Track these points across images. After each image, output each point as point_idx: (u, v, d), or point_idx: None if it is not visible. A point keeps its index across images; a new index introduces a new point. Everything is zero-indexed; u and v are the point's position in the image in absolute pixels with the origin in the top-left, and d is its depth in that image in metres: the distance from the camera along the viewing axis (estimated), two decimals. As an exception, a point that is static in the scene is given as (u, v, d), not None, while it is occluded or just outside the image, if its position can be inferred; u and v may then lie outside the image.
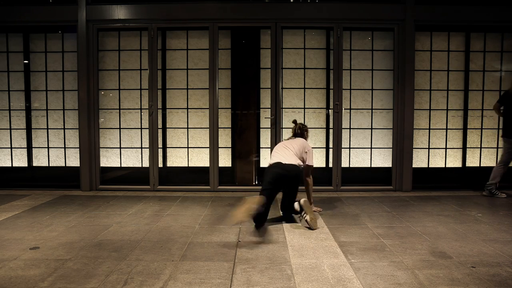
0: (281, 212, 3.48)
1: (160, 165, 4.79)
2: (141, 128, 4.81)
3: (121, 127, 4.82)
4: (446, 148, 4.82)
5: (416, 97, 4.72)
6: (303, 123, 3.78)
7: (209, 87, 4.67)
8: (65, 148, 4.87)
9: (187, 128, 4.81)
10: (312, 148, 4.76)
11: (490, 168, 4.77)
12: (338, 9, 4.56)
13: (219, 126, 4.73)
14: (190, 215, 3.55)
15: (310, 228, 3.07)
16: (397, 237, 2.86)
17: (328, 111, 4.74)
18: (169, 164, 4.85)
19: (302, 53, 4.73)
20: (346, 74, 4.70)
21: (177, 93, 4.79)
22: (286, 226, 3.17)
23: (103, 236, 2.90)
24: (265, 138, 4.75)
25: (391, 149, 4.73)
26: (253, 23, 4.66)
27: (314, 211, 3.55)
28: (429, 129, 4.80)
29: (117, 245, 2.70)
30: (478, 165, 4.84)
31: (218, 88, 4.69)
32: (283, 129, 4.73)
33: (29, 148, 4.89)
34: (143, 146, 4.81)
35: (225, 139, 4.79)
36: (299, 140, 3.57)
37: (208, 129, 4.74)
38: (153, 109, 4.69)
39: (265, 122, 4.72)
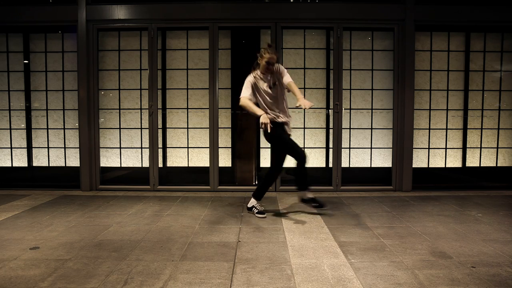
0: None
1: (160, 165, 4.79)
2: (141, 128, 4.81)
3: (121, 127, 4.82)
4: (446, 148, 4.82)
5: (416, 97, 4.72)
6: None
7: (209, 87, 4.67)
8: (65, 148, 4.87)
9: (187, 128, 4.81)
10: (312, 148, 4.79)
11: (490, 168, 4.79)
12: (338, 9, 4.56)
13: (219, 126, 4.73)
14: (190, 215, 3.55)
15: None
16: (397, 237, 2.86)
17: (328, 111, 4.74)
18: (169, 164, 4.85)
19: (302, 53, 4.73)
20: (346, 74, 4.70)
21: (177, 93, 4.79)
22: (286, 226, 3.18)
23: (103, 236, 2.90)
24: (265, 138, 4.75)
25: (391, 149, 4.73)
26: (253, 23, 4.66)
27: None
28: (429, 129, 4.80)
29: (117, 245, 2.70)
30: (478, 165, 4.84)
31: (218, 88, 4.69)
32: (283, 129, 4.73)
33: (29, 148, 4.89)
34: (143, 146, 4.81)
35: (225, 139, 4.79)
36: None
37: (208, 129, 4.74)
38: (153, 109, 4.69)
39: (265, 122, 4.72)
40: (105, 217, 3.48)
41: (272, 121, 3.36)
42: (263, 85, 3.38)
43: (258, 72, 3.41)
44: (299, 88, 4.71)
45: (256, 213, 3.53)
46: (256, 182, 4.83)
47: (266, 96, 3.40)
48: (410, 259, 2.41)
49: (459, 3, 4.59)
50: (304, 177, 3.49)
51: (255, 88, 3.40)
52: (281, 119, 3.42)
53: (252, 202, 3.62)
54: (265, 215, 3.49)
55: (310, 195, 3.51)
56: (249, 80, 3.40)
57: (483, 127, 4.83)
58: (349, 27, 4.66)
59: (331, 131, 4.71)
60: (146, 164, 4.80)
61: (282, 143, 3.42)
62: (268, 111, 3.41)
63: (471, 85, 4.79)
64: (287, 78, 3.32)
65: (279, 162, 3.54)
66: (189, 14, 4.60)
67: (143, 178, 4.77)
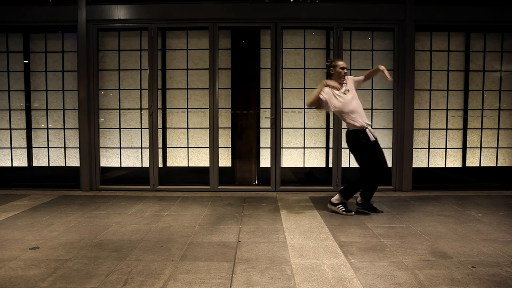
0: None
1: (160, 165, 4.79)
2: (141, 128, 4.81)
3: (121, 127, 4.82)
4: (446, 148, 4.82)
5: (416, 97, 4.72)
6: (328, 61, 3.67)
7: (209, 87, 4.67)
8: (65, 148, 4.87)
9: (187, 128, 4.81)
10: (312, 148, 4.79)
11: (490, 168, 4.79)
12: (338, 9, 4.56)
13: (219, 126, 4.73)
14: (190, 215, 3.55)
15: None
16: (397, 237, 2.86)
17: (329, 111, 4.73)
18: (169, 164, 4.85)
19: (302, 53, 4.73)
20: (346, 74, 4.70)
21: (177, 93, 4.79)
22: (286, 226, 3.18)
23: (103, 236, 2.90)
24: (265, 138, 4.75)
25: (391, 149, 4.73)
26: (253, 23, 4.66)
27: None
28: (429, 129, 4.80)
29: (117, 245, 2.70)
30: (478, 165, 4.84)
31: (218, 88, 4.69)
32: (283, 129, 4.73)
33: (29, 148, 4.89)
34: (143, 146, 4.81)
35: (225, 139, 4.79)
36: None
37: (208, 129, 4.74)
38: (153, 109, 4.69)
39: (265, 122, 4.72)
40: (105, 217, 3.48)
41: (355, 130, 3.51)
42: (342, 92, 3.51)
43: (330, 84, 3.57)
44: (299, 88, 4.75)
45: (343, 211, 3.57)
46: (256, 182, 4.83)
47: (346, 103, 3.48)
48: (410, 259, 2.41)
49: (459, 3, 4.59)
50: (349, 190, 3.58)
51: (333, 98, 3.50)
52: (359, 123, 3.48)
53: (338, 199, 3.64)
54: (352, 213, 3.57)
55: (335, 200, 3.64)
56: (326, 92, 3.51)
57: (483, 127, 4.83)
58: (349, 27, 4.66)
59: (331, 131, 4.71)
60: (146, 164, 4.80)
61: (356, 151, 3.53)
62: (347, 119, 3.52)
63: (471, 85, 4.79)
64: (357, 77, 3.65)
65: (375, 161, 3.49)
66: (189, 14, 4.60)
67: (143, 178, 4.77)
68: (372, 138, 3.46)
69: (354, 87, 3.59)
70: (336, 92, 3.50)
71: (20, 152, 4.91)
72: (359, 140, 3.48)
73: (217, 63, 4.64)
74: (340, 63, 3.53)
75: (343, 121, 3.70)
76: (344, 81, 3.55)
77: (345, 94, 3.50)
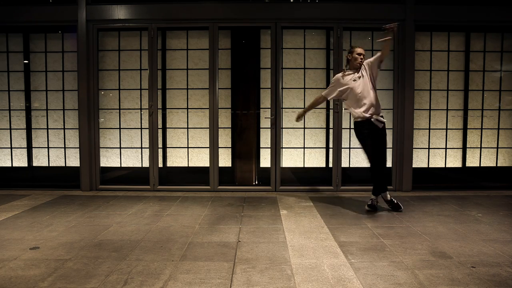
0: None
1: (160, 165, 4.79)
2: (141, 128, 4.81)
3: (121, 127, 4.82)
4: (446, 148, 4.82)
5: (416, 97, 4.72)
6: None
7: (209, 87, 4.67)
8: (65, 148, 4.87)
9: (187, 128, 4.81)
10: (312, 148, 4.79)
11: (490, 168, 4.78)
12: (338, 9, 4.56)
13: (219, 126, 4.73)
14: (190, 215, 3.55)
15: None
16: (397, 237, 2.86)
17: (328, 111, 4.74)
18: (169, 164, 4.85)
19: (302, 53, 4.73)
20: (346, 74, 4.70)
21: (177, 93, 4.79)
22: (286, 226, 3.18)
23: (103, 236, 2.90)
24: (265, 138, 4.75)
25: (391, 149, 4.73)
26: (253, 23, 4.66)
27: None
28: (429, 129, 4.80)
29: (117, 245, 2.70)
30: (478, 165, 4.84)
31: (218, 88, 4.69)
32: (283, 129, 4.73)
33: (29, 148, 4.89)
34: (143, 146, 4.81)
35: (225, 139, 4.79)
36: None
37: (208, 129, 4.74)
38: (153, 109, 4.69)
39: (265, 122, 4.72)
40: (105, 217, 3.48)
41: (360, 121, 3.56)
42: (350, 78, 3.59)
43: (345, 69, 3.71)
44: (299, 88, 4.75)
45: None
46: (256, 182, 4.83)
47: (354, 89, 3.53)
48: (410, 259, 2.41)
49: (459, 3, 4.59)
50: (376, 181, 3.65)
51: (340, 84, 3.63)
52: (368, 113, 3.51)
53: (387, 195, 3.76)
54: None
55: (388, 196, 3.71)
56: (333, 79, 3.73)
57: (483, 127, 4.83)
58: (349, 27, 4.66)
59: (331, 131, 4.71)
60: (146, 164, 4.80)
61: (363, 142, 3.60)
62: (355, 107, 3.56)
63: (471, 85, 4.79)
64: (372, 57, 3.59)
65: (373, 154, 3.56)
66: (189, 14, 4.60)
67: (143, 178, 4.77)
68: (379, 126, 3.51)
69: (372, 71, 3.54)
70: (346, 79, 3.56)
71: (20, 152, 4.91)
72: (361, 131, 3.57)
73: (217, 63, 4.64)
74: (358, 49, 3.59)
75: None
76: (360, 67, 3.57)
77: (354, 81, 3.54)
